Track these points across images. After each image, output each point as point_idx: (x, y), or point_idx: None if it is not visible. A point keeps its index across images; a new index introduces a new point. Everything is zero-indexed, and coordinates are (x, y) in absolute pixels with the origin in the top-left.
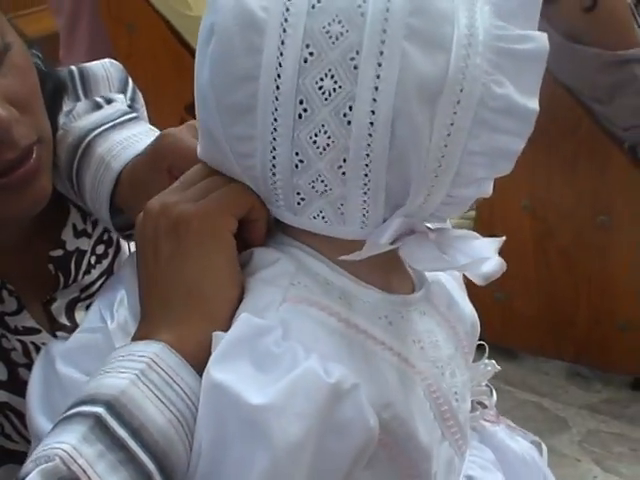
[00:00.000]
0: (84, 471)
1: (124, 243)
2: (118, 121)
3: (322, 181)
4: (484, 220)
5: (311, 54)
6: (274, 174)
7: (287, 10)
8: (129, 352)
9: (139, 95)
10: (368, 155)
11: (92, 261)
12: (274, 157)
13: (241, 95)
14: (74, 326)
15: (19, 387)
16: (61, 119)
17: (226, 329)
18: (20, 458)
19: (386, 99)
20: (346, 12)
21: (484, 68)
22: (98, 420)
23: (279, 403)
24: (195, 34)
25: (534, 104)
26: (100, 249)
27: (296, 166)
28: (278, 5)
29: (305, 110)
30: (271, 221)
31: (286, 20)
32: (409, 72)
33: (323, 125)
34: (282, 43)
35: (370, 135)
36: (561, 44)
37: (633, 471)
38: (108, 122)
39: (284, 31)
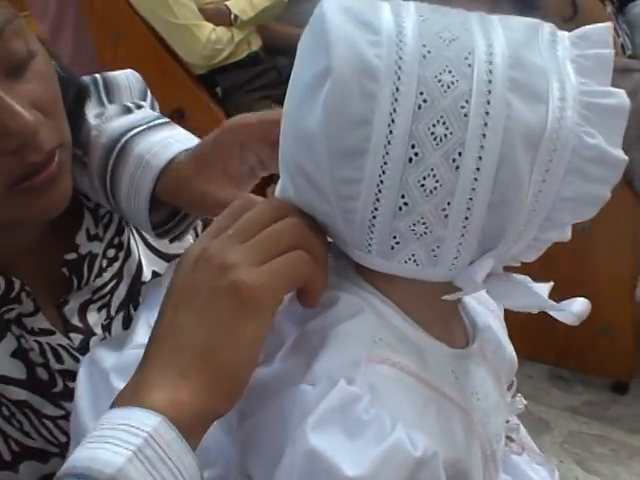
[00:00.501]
0: None
1: (134, 248)
2: (153, 123)
3: (424, 223)
4: None
5: (425, 101)
6: (374, 217)
7: (400, 58)
8: (125, 421)
9: (157, 105)
10: (472, 199)
11: (103, 264)
12: (378, 199)
13: (354, 139)
14: (86, 328)
15: (37, 386)
16: (93, 121)
17: (228, 403)
18: (38, 455)
19: (493, 146)
20: (455, 62)
21: (576, 120)
22: None
23: (370, 475)
24: (180, 41)
25: (622, 154)
26: (111, 253)
27: (400, 208)
28: (391, 53)
29: (416, 154)
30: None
31: (400, 68)
32: (514, 121)
33: (432, 169)
34: (397, 90)
35: (476, 179)
36: None
37: (613, 471)
38: (143, 124)
39: (398, 78)
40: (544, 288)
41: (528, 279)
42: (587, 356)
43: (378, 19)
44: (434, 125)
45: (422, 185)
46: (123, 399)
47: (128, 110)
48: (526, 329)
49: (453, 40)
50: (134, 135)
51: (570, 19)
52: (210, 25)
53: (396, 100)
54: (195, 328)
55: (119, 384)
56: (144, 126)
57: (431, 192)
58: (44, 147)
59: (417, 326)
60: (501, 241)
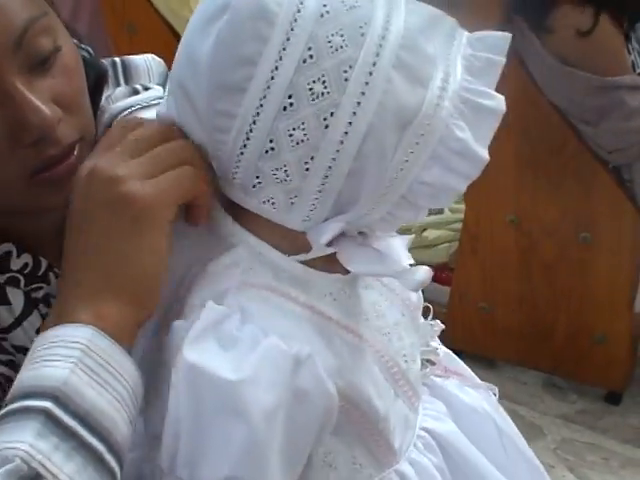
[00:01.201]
0: (43, 465)
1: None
2: (152, 102)
3: (285, 171)
4: (470, 232)
5: (311, 57)
6: (242, 153)
7: (298, 11)
8: (59, 337)
9: None
10: (334, 159)
11: None
12: (248, 138)
13: (237, 76)
14: None
15: None
16: (104, 102)
17: (148, 313)
18: None
19: (365, 115)
20: (350, 29)
21: (450, 112)
22: (48, 415)
23: (252, 376)
24: None
25: (485, 153)
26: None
27: (266, 152)
28: (291, 5)
29: (291, 105)
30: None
31: (296, 20)
32: (390, 97)
33: (303, 122)
34: (287, 39)
35: (342, 142)
36: (554, 66)
37: (604, 479)
38: (143, 103)
39: (292, 29)
40: (401, 249)
41: (390, 244)
42: (583, 365)
43: None
44: (314, 82)
45: (290, 135)
46: (48, 324)
47: (135, 92)
48: (523, 336)
49: (354, 7)
50: (128, 114)
51: (585, 34)
52: None
53: (284, 49)
54: (99, 248)
55: None
56: (139, 105)
57: (297, 143)
58: (62, 141)
59: (290, 258)
60: (354, 207)
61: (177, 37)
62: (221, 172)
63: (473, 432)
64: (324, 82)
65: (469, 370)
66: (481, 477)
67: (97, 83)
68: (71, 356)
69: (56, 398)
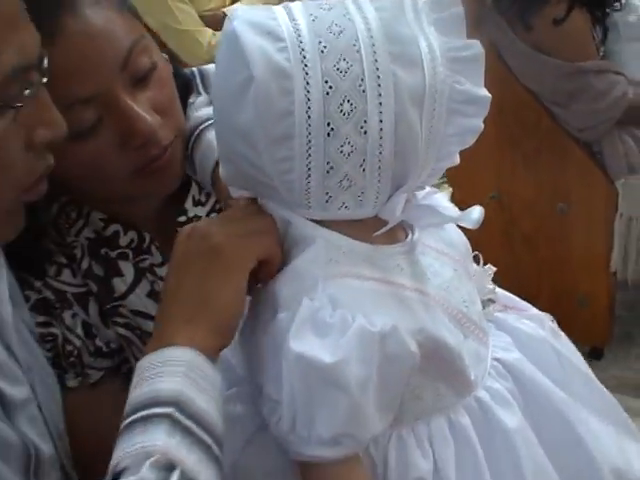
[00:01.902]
0: (175, 457)
1: None
2: None
3: (348, 179)
4: None
5: (330, 87)
6: (309, 182)
7: (304, 57)
8: (164, 358)
9: None
10: (381, 153)
11: None
12: (309, 169)
13: (282, 128)
14: None
15: None
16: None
17: (227, 342)
18: None
19: (389, 110)
20: (347, 51)
21: (446, 74)
22: (172, 418)
23: (345, 357)
24: (183, 46)
25: (486, 92)
26: (213, 216)
27: (327, 172)
28: (296, 55)
29: (332, 129)
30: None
31: (306, 65)
32: (400, 87)
33: (346, 138)
34: (307, 83)
35: (381, 137)
36: (527, 52)
37: None
38: None
39: (307, 74)
40: (445, 202)
41: (436, 199)
42: (567, 325)
43: (279, 26)
44: (341, 104)
45: (341, 151)
46: (150, 347)
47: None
48: None
49: (341, 32)
50: (210, 125)
51: (559, 22)
52: (210, 30)
53: (308, 92)
54: (192, 286)
55: None
56: None
57: (349, 155)
58: (162, 143)
59: (360, 241)
60: (408, 178)
61: (165, 47)
62: (297, 201)
63: (535, 357)
64: (349, 101)
65: (523, 302)
66: (546, 396)
67: (184, 89)
68: (179, 372)
69: (176, 405)
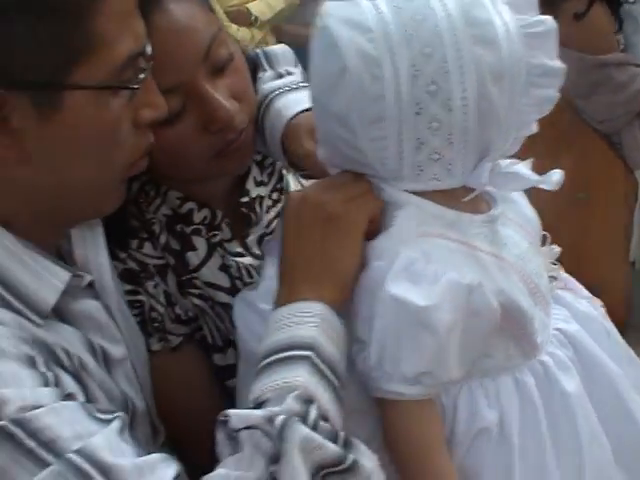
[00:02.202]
0: (315, 393)
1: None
2: (294, 86)
3: (437, 153)
4: None
5: (417, 71)
6: (401, 158)
7: (391, 46)
8: (299, 310)
9: (302, 71)
10: (466, 127)
11: (269, 204)
12: (401, 145)
13: (375, 111)
14: (263, 255)
15: (236, 293)
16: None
17: (346, 297)
18: (234, 345)
19: (471, 87)
20: (430, 37)
21: (522, 49)
22: (310, 360)
23: (437, 302)
24: None
25: (559, 63)
26: (275, 196)
27: (418, 147)
28: (384, 44)
29: (420, 108)
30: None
31: (394, 53)
32: (481, 66)
33: (434, 115)
34: (396, 68)
35: (465, 113)
36: None
37: None
38: (286, 87)
39: (395, 61)
40: (527, 169)
41: (517, 167)
42: None
43: (366, 19)
44: (427, 85)
45: (429, 127)
46: (281, 301)
47: (280, 76)
48: None
49: (423, 20)
50: (278, 94)
51: (580, 17)
52: (234, 26)
53: (397, 77)
54: (315, 251)
55: (264, 305)
56: (287, 88)
57: (437, 130)
58: (238, 127)
59: (447, 207)
60: (492, 148)
61: None
62: (391, 175)
63: (590, 333)
64: (434, 82)
65: (579, 285)
66: (601, 368)
67: (251, 67)
68: (313, 321)
69: (313, 349)
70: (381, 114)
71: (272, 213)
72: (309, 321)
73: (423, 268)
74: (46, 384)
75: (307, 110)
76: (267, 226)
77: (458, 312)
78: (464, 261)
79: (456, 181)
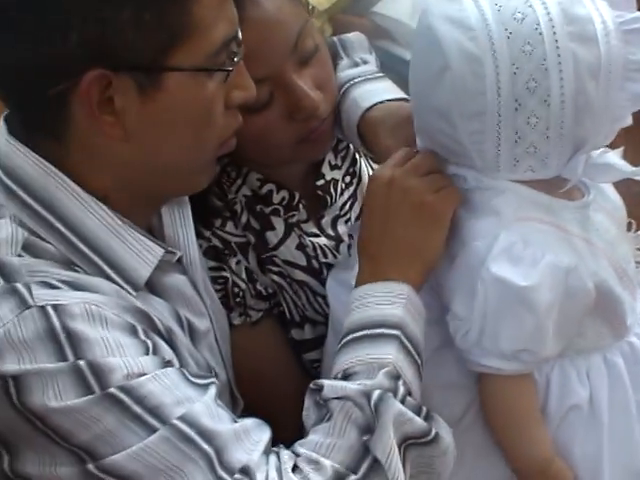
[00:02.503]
0: (402, 369)
1: (364, 174)
2: (370, 76)
3: (534, 147)
4: None
5: (517, 68)
6: (499, 151)
7: (493, 44)
8: (388, 290)
9: (377, 59)
10: (563, 122)
11: (343, 187)
12: (499, 138)
13: (476, 106)
14: (337, 236)
15: (312, 271)
16: None
17: (426, 279)
18: (311, 321)
19: (569, 83)
20: (531, 36)
21: (620, 46)
22: (399, 339)
23: (537, 283)
24: None
25: None
26: (347, 179)
27: (515, 141)
28: (486, 43)
29: (519, 104)
30: None
31: (495, 51)
32: (579, 63)
33: (532, 111)
34: (496, 66)
35: (562, 109)
36: None
37: None
38: (363, 76)
39: (496, 59)
40: (618, 159)
41: (609, 157)
42: None
43: (468, 17)
44: (527, 82)
45: (528, 123)
46: (365, 279)
47: (356, 64)
48: None
49: (524, 18)
50: (354, 83)
51: None
52: None
53: (498, 74)
54: (402, 233)
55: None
56: (363, 77)
57: (535, 125)
58: (322, 116)
59: (543, 193)
60: (587, 141)
61: None
62: (488, 166)
63: None
64: (534, 79)
65: None
66: None
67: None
68: (400, 302)
69: (400, 329)
70: (481, 109)
71: (345, 195)
72: (397, 301)
73: (522, 250)
74: (146, 352)
75: (381, 102)
76: (341, 208)
77: (556, 293)
78: (559, 244)
79: (551, 172)
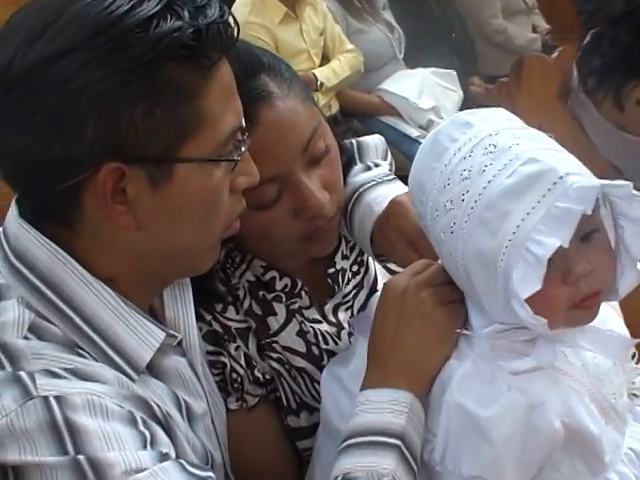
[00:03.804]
0: (400, 478)
1: (371, 265)
2: (382, 179)
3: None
4: None
5: (437, 215)
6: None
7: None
8: (390, 397)
9: (393, 162)
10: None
11: (349, 276)
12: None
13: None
14: (338, 322)
15: (311, 358)
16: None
17: (429, 386)
18: (309, 408)
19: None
20: (456, 196)
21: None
22: (399, 449)
23: (498, 415)
24: None
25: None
26: (355, 268)
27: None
28: (428, 198)
29: (451, 203)
30: None
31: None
32: (471, 245)
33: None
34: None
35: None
36: (611, 130)
37: None
38: (376, 180)
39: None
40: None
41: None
42: None
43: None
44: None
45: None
46: (371, 383)
47: (368, 168)
48: None
49: (466, 179)
50: (367, 188)
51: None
52: None
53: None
54: (412, 342)
55: (352, 386)
56: (376, 181)
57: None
58: (328, 216)
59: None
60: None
61: None
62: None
63: None
64: (452, 226)
65: None
66: None
67: (346, 163)
68: (404, 412)
69: (402, 439)
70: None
71: (351, 284)
72: (400, 410)
73: (489, 380)
74: (144, 444)
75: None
76: (344, 296)
77: (516, 426)
78: (531, 379)
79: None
